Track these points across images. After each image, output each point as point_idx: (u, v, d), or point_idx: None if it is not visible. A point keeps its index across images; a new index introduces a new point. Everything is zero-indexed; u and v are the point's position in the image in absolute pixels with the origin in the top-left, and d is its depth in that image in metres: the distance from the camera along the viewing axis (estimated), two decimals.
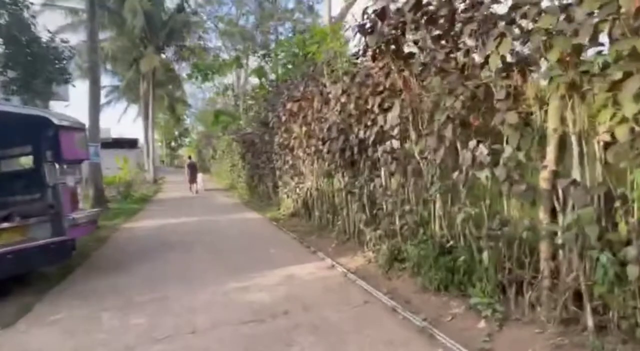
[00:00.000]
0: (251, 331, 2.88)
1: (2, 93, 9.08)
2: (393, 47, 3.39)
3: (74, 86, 10.96)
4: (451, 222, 3.15)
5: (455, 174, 2.77)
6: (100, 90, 9.33)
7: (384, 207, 4.10)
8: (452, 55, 2.77)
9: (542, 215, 2.42)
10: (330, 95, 4.83)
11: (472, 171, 2.72)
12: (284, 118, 6.93)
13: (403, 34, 3.37)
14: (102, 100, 28.15)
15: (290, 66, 12.25)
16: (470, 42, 2.55)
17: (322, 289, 3.77)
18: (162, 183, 21.85)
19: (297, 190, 7.27)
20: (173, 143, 58.95)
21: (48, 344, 2.77)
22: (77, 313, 3.34)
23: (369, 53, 3.79)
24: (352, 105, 4.38)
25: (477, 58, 2.79)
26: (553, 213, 2.38)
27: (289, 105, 6.46)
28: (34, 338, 2.91)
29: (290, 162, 7.53)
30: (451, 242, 3.18)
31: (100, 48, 17.61)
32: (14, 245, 3.83)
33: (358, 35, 3.67)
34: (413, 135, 3.30)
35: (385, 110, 3.73)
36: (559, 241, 2.20)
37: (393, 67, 3.44)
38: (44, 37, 9.37)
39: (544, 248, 2.44)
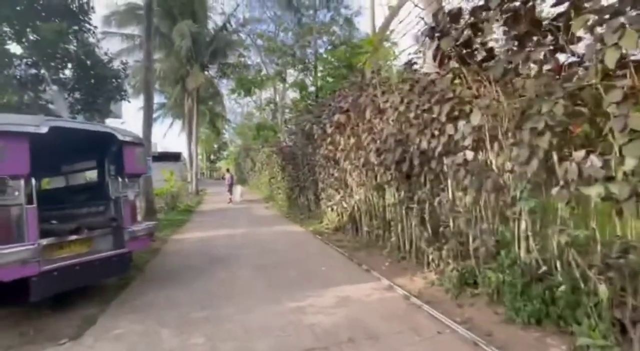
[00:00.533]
0: None
1: (69, 113, 9.85)
2: (465, 50, 3.10)
3: (129, 102, 11.71)
4: (544, 244, 2.72)
5: (555, 190, 2.37)
6: (153, 107, 9.88)
7: (451, 224, 3.72)
8: (551, 55, 2.43)
9: None
10: (387, 104, 4.59)
11: (574, 186, 2.31)
12: (330, 130, 6.78)
13: (476, 35, 3.08)
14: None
15: (330, 79, 12.23)
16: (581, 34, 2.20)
17: (385, 314, 3.45)
18: (203, 195, 22.63)
19: (344, 203, 7.03)
20: (212, 156, 61.69)
21: None
22: (137, 329, 3.31)
23: (427, 58, 3.53)
24: (412, 114, 4.10)
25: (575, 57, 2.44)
26: None
27: (336, 117, 6.30)
28: None
29: (336, 174, 7.33)
30: (544, 268, 2.74)
31: (154, 69, 19.00)
32: (81, 257, 3.94)
33: (416, 40, 3.45)
34: (494, 146, 2.94)
35: (454, 119, 3.41)
36: None
37: (465, 72, 3.14)
38: (104, 59, 10.14)
39: None
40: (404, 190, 4.74)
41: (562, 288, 2.49)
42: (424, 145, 3.88)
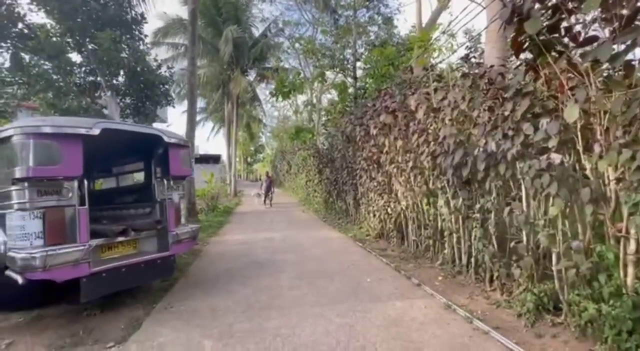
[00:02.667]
0: None
1: (119, 117, 10.40)
2: (551, 35, 2.62)
3: (174, 107, 12.14)
4: None
5: None
6: (197, 111, 10.17)
7: (525, 239, 3.21)
8: None
9: None
10: (444, 102, 4.14)
11: None
12: (374, 132, 6.41)
13: (563, 17, 2.59)
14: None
15: (369, 80, 11.83)
16: None
17: (447, 340, 3.02)
18: (241, 196, 23.10)
19: (388, 209, 6.60)
20: (249, 159, 63.47)
21: None
22: (180, 338, 3.18)
23: (488, 51, 3.05)
24: (475, 113, 3.63)
25: None
26: None
27: (382, 117, 5.92)
28: None
29: (379, 178, 6.92)
30: None
31: (199, 75, 19.81)
32: (128, 259, 3.94)
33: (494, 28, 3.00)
34: (593, 148, 2.43)
35: (533, 116, 2.92)
36: None
37: (551, 61, 2.65)
38: (154, 65, 10.60)
39: None
40: (462, 197, 4.25)
41: None
42: (492, 147, 3.39)
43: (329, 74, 14.89)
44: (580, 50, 2.68)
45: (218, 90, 21.60)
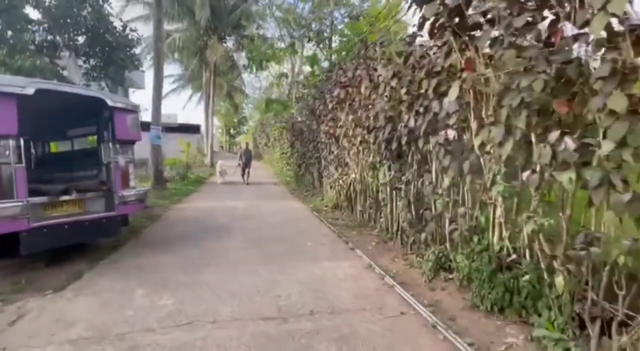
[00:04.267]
0: (271, 330, 2.68)
1: (84, 80, 10.09)
2: (457, 20, 2.83)
3: (143, 72, 11.80)
4: (515, 232, 2.57)
5: (526, 174, 2.20)
6: (163, 77, 9.97)
7: (433, 207, 3.59)
8: (534, 23, 2.17)
9: None
10: (380, 79, 4.36)
11: (549, 171, 2.12)
12: (330, 106, 6.59)
13: (469, 3, 2.79)
14: (170, 87, 30.70)
15: (344, 53, 11.76)
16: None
17: (356, 292, 3.44)
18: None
19: (340, 181, 6.94)
20: (232, 131, 62.29)
21: (83, 316, 2.88)
22: (116, 287, 3.48)
23: (426, 28, 3.24)
24: (403, 90, 3.87)
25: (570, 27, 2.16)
26: None
27: (336, 92, 6.10)
28: (75, 306, 3.07)
29: (335, 152, 7.21)
30: (513, 256, 2.60)
31: (171, 39, 18.99)
32: (73, 217, 4.14)
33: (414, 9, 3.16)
34: (474, 125, 2.73)
35: (441, 95, 3.19)
36: None
37: (455, 44, 2.89)
38: (118, 26, 10.17)
39: None
40: (394, 170, 4.59)
41: (526, 277, 2.36)
42: (412, 123, 3.68)
43: (309, 46, 14.66)
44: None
45: (195, 57, 20.86)
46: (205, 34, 19.18)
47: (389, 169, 4.76)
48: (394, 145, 4.21)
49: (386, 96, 4.38)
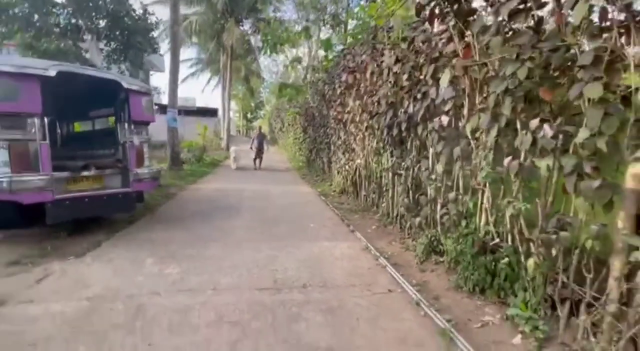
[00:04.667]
0: (265, 298, 2.91)
1: (106, 63, 10.47)
2: (456, 5, 2.84)
3: (161, 55, 12.08)
4: (499, 216, 2.65)
5: (507, 160, 2.26)
6: (180, 60, 10.20)
7: (427, 192, 3.68)
8: (528, 9, 2.17)
9: (622, 223, 1.84)
10: (383, 65, 4.38)
11: (530, 158, 2.18)
12: (338, 91, 6.64)
13: None
14: (189, 71, 31.11)
15: (360, 36, 11.57)
16: None
17: (349, 270, 3.63)
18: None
19: (347, 167, 7.05)
20: (249, 115, 62.76)
21: (99, 278, 3.21)
22: (129, 256, 3.81)
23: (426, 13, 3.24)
24: (405, 76, 3.90)
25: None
26: (639, 223, 1.79)
27: (344, 77, 6.13)
28: (92, 270, 3.41)
29: (343, 138, 7.29)
30: (497, 240, 2.69)
31: (188, 22, 19.16)
32: (93, 191, 4.49)
33: None
34: (465, 111, 2.78)
35: (439, 81, 3.22)
36: (638, 258, 1.65)
37: (452, 30, 2.90)
38: (137, 10, 10.40)
39: (616, 264, 1.87)
40: (395, 155, 4.66)
41: (505, 260, 2.46)
42: (411, 109, 3.72)
43: (325, 29, 14.43)
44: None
45: (213, 40, 21.01)
46: (223, 17, 19.22)
47: (391, 155, 4.84)
48: (395, 131, 4.27)
49: (389, 82, 4.41)
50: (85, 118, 6.22)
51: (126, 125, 4.78)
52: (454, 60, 2.83)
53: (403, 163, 4.36)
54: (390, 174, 4.97)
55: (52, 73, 3.81)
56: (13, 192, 3.66)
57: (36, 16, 8.80)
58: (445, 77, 2.73)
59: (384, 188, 5.29)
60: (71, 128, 6.73)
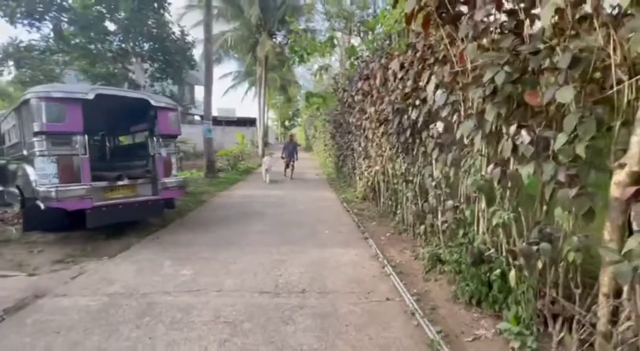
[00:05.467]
0: (263, 301, 3.06)
1: (150, 81, 11.54)
2: (441, 11, 2.81)
3: (197, 71, 13.03)
4: (492, 226, 2.54)
5: (490, 168, 2.18)
6: (213, 75, 10.94)
7: (429, 200, 3.60)
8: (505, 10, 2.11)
9: (608, 235, 1.71)
10: (389, 72, 4.38)
11: (515, 165, 2.10)
12: (356, 98, 6.69)
13: None
14: (229, 83, 32.89)
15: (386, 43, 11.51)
16: None
17: (352, 277, 3.65)
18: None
19: (366, 173, 7.04)
20: (287, 123, 64.51)
21: (122, 277, 3.59)
22: (151, 258, 4.19)
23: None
24: (410, 82, 3.88)
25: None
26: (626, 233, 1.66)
27: (359, 84, 6.18)
28: (118, 270, 3.82)
29: (362, 144, 7.29)
30: (492, 250, 2.57)
31: (224, 39, 20.39)
32: (126, 199, 5.02)
33: None
34: (461, 117, 2.71)
35: (435, 87, 3.18)
36: (617, 272, 1.52)
37: (444, 35, 2.86)
38: (176, 32, 11.37)
39: (605, 279, 1.74)
40: (406, 162, 4.60)
41: (497, 272, 2.34)
42: (414, 115, 3.69)
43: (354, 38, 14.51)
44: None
45: (248, 54, 22.12)
46: (257, 31, 20.18)
47: (403, 161, 4.78)
48: (402, 138, 4.23)
49: (398, 87, 4.39)
50: (127, 133, 6.95)
51: (155, 138, 5.28)
52: (436, 67, 2.79)
53: (412, 170, 4.29)
54: (402, 181, 4.90)
55: (91, 96, 4.37)
56: (60, 200, 4.24)
57: (92, 46, 10.01)
58: (430, 84, 2.70)
59: (399, 195, 5.22)
60: (117, 142, 7.55)
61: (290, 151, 12.63)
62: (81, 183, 4.43)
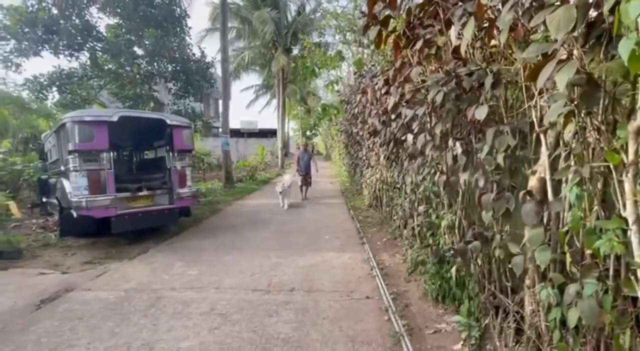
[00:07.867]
0: (255, 298, 3.44)
1: (173, 99, 12.48)
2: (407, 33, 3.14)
3: (216, 88, 13.90)
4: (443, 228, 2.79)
5: (437, 176, 2.46)
6: (230, 92, 11.69)
7: (404, 205, 3.86)
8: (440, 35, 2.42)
9: (527, 232, 1.96)
10: (377, 86, 4.71)
11: (459, 174, 2.37)
12: (357, 110, 7.05)
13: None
14: (251, 97, 34.26)
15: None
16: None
17: (339, 278, 3.95)
18: (287, 168, 25.10)
19: (368, 181, 7.32)
20: (308, 133, 65.63)
21: (138, 276, 4.11)
22: (165, 260, 4.71)
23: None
24: (391, 98, 4.20)
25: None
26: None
27: (358, 97, 6.53)
28: (135, 270, 4.35)
29: (365, 153, 7.60)
30: (451, 251, 2.81)
31: (241, 58, 21.48)
32: (145, 208, 5.63)
33: None
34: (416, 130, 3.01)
35: (407, 102, 3.48)
36: (514, 265, 1.77)
37: (409, 55, 3.19)
38: (197, 53, 12.28)
39: (529, 272, 1.98)
40: (397, 170, 4.88)
41: (452, 270, 2.58)
42: (394, 128, 3.99)
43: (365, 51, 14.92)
44: None
45: (265, 69, 23.11)
46: (273, 47, 21.11)
47: (394, 170, 5.06)
48: (389, 149, 4.53)
49: (383, 102, 4.72)
50: (147, 149, 7.72)
51: (171, 153, 5.90)
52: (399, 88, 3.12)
53: (399, 178, 4.57)
54: (393, 188, 5.16)
55: (115, 118, 5.04)
56: (89, 209, 4.89)
57: (121, 70, 11.06)
58: (391, 100, 3.02)
59: (394, 202, 5.47)
60: (138, 157, 8.36)
61: (306, 162, 10.35)
62: (107, 194, 5.07)
